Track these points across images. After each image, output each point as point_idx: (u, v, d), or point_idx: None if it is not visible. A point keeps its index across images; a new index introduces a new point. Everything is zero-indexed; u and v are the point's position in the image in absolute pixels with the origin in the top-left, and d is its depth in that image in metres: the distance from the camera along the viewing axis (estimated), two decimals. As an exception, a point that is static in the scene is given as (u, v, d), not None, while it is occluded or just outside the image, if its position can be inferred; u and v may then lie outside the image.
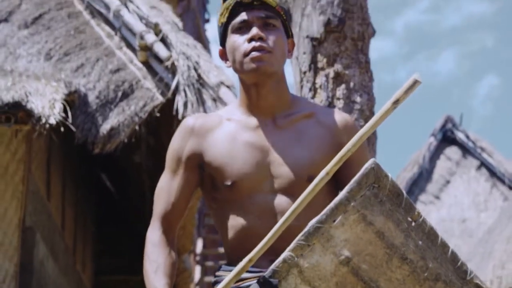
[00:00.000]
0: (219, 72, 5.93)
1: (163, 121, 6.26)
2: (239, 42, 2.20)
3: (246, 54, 2.18)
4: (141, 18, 6.21)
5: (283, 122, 2.24)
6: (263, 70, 2.18)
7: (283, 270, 1.83)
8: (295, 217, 1.98)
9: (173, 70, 5.96)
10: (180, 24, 6.63)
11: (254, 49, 2.18)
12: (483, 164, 17.54)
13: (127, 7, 6.31)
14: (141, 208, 9.55)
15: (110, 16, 6.43)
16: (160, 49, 6.00)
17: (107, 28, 6.50)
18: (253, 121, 2.23)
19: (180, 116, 5.86)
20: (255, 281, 1.90)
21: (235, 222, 2.19)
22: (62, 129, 4.98)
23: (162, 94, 6.01)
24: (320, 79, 4.41)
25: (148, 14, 6.22)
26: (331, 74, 4.39)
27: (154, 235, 2.23)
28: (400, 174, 17.33)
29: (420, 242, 1.90)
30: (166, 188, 2.26)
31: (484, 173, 17.50)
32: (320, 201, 2.10)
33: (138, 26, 6.18)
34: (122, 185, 10.62)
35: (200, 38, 16.79)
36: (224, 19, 2.25)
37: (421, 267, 1.89)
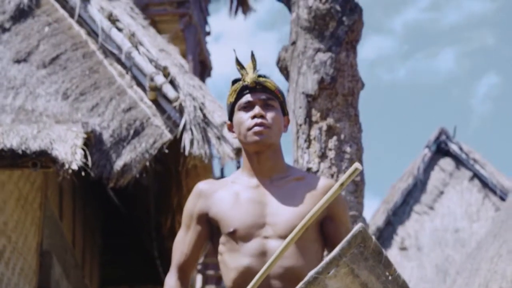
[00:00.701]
0: (223, 113, 6.43)
1: (170, 154, 6.77)
2: (244, 118, 2.72)
3: (249, 129, 2.70)
4: (150, 60, 6.71)
5: (278, 182, 2.75)
6: (263, 142, 2.71)
7: None
8: (292, 258, 2.58)
9: (180, 109, 6.47)
10: (187, 66, 7.13)
11: (256, 125, 2.70)
12: (476, 176, 17.68)
13: (137, 49, 6.81)
14: (145, 222, 9.88)
15: (122, 57, 6.91)
16: (169, 90, 6.51)
17: (119, 68, 6.98)
18: (254, 181, 2.75)
19: (186, 152, 6.39)
20: None
21: (237, 263, 2.67)
22: (83, 173, 5.49)
23: (170, 131, 6.51)
24: (314, 132, 4.94)
25: (157, 56, 6.71)
26: (324, 127, 4.92)
27: (171, 281, 2.75)
28: (396, 185, 17.44)
29: None
30: (182, 241, 2.79)
31: (477, 184, 17.63)
32: (310, 246, 2.66)
33: (148, 68, 6.68)
34: (128, 201, 11.07)
35: (202, 52, 17.24)
36: (232, 99, 2.78)
37: None
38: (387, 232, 16.86)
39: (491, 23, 46.67)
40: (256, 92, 2.73)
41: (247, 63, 2.80)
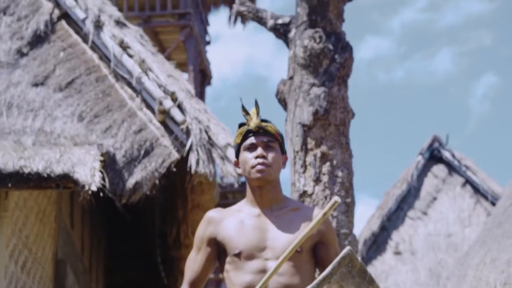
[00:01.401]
0: (227, 135, 6.99)
1: (177, 172, 7.32)
2: (249, 158, 3.25)
3: (253, 167, 3.23)
4: (159, 85, 7.27)
5: (277, 212, 3.29)
6: (264, 178, 3.24)
7: None
8: (289, 276, 3.14)
9: (187, 131, 7.03)
10: (193, 91, 7.68)
11: (258, 164, 3.23)
12: (468, 182, 17.82)
13: (147, 75, 7.37)
14: (150, 231, 10.31)
15: (133, 81, 7.46)
16: (176, 114, 7.07)
17: (130, 91, 7.52)
18: (257, 210, 3.29)
19: (193, 171, 6.95)
20: None
21: (241, 280, 3.20)
22: (101, 194, 6.05)
23: (178, 151, 7.07)
24: (309, 158, 5.50)
25: (165, 82, 7.26)
26: (318, 154, 5.49)
27: None
28: (390, 191, 17.64)
29: None
30: (193, 260, 3.33)
31: (469, 190, 17.75)
32: (304, 266, 3.18)
33: (157, 92, 7.23)
34: (133, 210, 11.50)
35: (202, 61, 17.72)
36: (238, 140, 3.32)
37: None
38: (382, 237, 17.07)
39: (489, 24, 46.67)
40: (259, 135, 3.26)
41: (251, 110, 3.34)
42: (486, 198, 17.33)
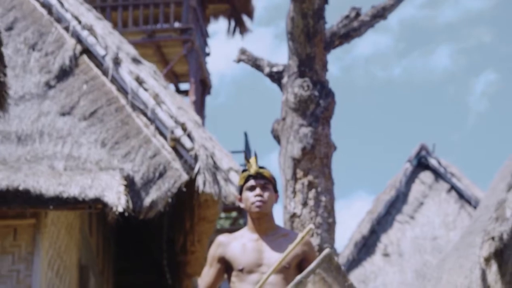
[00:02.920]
0: (230, 160, 8.15)
1: (186, 191, 8.47)
2: (249, 196, 4.37)
3: (253, 203, 4.35)
4: (171, 116, 8.44)
5: (271, 237, 4.41)
6: (261, 212, 4.36)
7: None
8: (279, 285, 4.28)
9: (195, 157, 8.20)
10: (200, 122, 8.84)
11: (257, 201, 4.38)
12: (453, 188, 18.39)
13: (160, 107, 8.54)
14: (158, 237, 11.07)
15: (148, 112, 8.62)
16: (186, 142, 8.23)
17: (145, 120, 8.66)
18: (255, 236, 4.42)
19: (200, 191, 8.10)
20: None
21: None
22: (126, 214, 7.22)
23: (187, 173, 8.23)
24: (298, 185, 6.68)
25: (176, 113, 8.43)
26: (306, 182, 6.66)
27: None
28: (379, 197, 18.24)
29: None
30: (206, 274, 4.45)
31: (454, 195, 18.35)
32: (290, 278, 4.19)
33: (169, 123, 8.40)
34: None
35: (202, 72, 18.71)
36: (242, 183, 4.42)
37: None
38: (371, 240, 17.70)
39: (488, 20, 46.80)
40: (257, 179, 4.38)
41: (251, 159, 4.48)
42: (469, 203, 17.98)
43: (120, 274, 11.98)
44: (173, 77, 18.42)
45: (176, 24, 17.53)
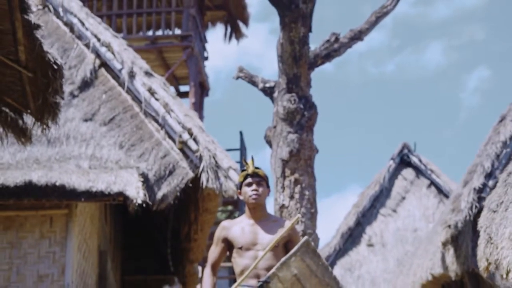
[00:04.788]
0: (229, 160, 9.60)
1: (192, 186, 9.91)
2: (247, 190, 5.70)
3: (250, 196, 5.69)
4: (179, 122, 9.88)
5: (264, 223, 5.75)
6: (256, 203, 5.69)
7: (272, 276, 4.85)
8: (270, 260, 5.65)
9: (200, 157, 9.64)
10: (204, 127, 10.28)
11: (253, 194, 5.76)
12: (433, 183, 19.55)
13: (170, 114, 9.98)
14: (162, 227, 12.26)
15: (159, 119, 10.04)
16: (192, 144, 9.67)
17: (156, 125, 10.11)
18: (252, 222, 5.75)
19: (203, 186, 9.54)
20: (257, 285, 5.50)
21: (242, 262, 5.63)
22: (143, 205, 8.66)
23: (193, 171, 9.67)
24: (286, 182, 8.14)
25: (183, 120, 9.88)
26: (292, 180, 8.13)
27: (207, 271, 5.67)
28: (365, 192, 19.50)
29: (326, 273, 5.14)
30: (213, 251, 5.76)
31: (433, 191, 19.50)
32: (280, 255, 5.56)
33: (177, 128, 9.84)
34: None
35: (201, 76, 19.92)
36: (241, 180, 5.74)
37: (327, 284, 5.26)
38: (357, 231, 18.96)
39: (481, 18, 46.73)
40: (254, 177, 5.71)
41: (249, 161, 5.89)
42: (447, 197, 18.55)
43: (127, 260, 12.95)
44: (174, 80, 19.62)
45: (177, 31, 18.53)
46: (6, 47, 5.70)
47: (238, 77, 8.75)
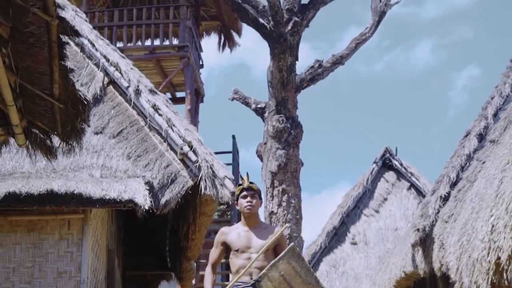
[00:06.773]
0: (225, 170, 10.82)
1: (191, 193, 11.12)
2: (243, 202, 6.87)
3: (245, 207, 6.88)
4: (180, 136, 11.09)
5: (257, 229, 6.92)
6: (250, 213, 6.86)
7: (263, 276, 6.16)
8: (262, 261, 6.91)
9: (199, 167, 10.86)
10: (202, 140, 11.49)
11: (248, 205, 6.96)
12: (412, 186, 20.51)
13: (172, 129, 11.19)
14: (162, 225, 13.09)
15: (162, 132, 11.22)
16: (192, 156, 10.87)
17: (159, 138, 11.31)
18: (246, 228, 6.91)
19: (202, 193, 10.76)
20: (250, 284, 6.71)
21: (237, 263, 6.81)
22: (150, 210, 9.87)
23: (192, 180, 10.88)
24: (275, 192, 9.40)
25: (184, 134, 11.09)
26: (281, 189, 9.38)
27: (208, 270, 6.90)
28: (349, 193, 20.49)
29: (308, 274, 6.32)
30: (213, 252, 6.94)
31: (413, 192, 20.40)
32: (270, 256, 6.71)
33: (179, 141, 11.04)
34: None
35: (197, 83, 20.95)
36: (238, 192, 6.98)
37: (309, 282, 6.45)
38: (341, 230, 19.90)
39: (471, 17, 47.38)
40: (248, 190, 6.86)
41: (245, 176, 7.11)
42: None
43: (127, 257, 13.55)
44: (171, 87, 20.69)
45: (174, 41, 19.51)
46: (43, 84, 6.89)
47: (233, 99, 9.97)
